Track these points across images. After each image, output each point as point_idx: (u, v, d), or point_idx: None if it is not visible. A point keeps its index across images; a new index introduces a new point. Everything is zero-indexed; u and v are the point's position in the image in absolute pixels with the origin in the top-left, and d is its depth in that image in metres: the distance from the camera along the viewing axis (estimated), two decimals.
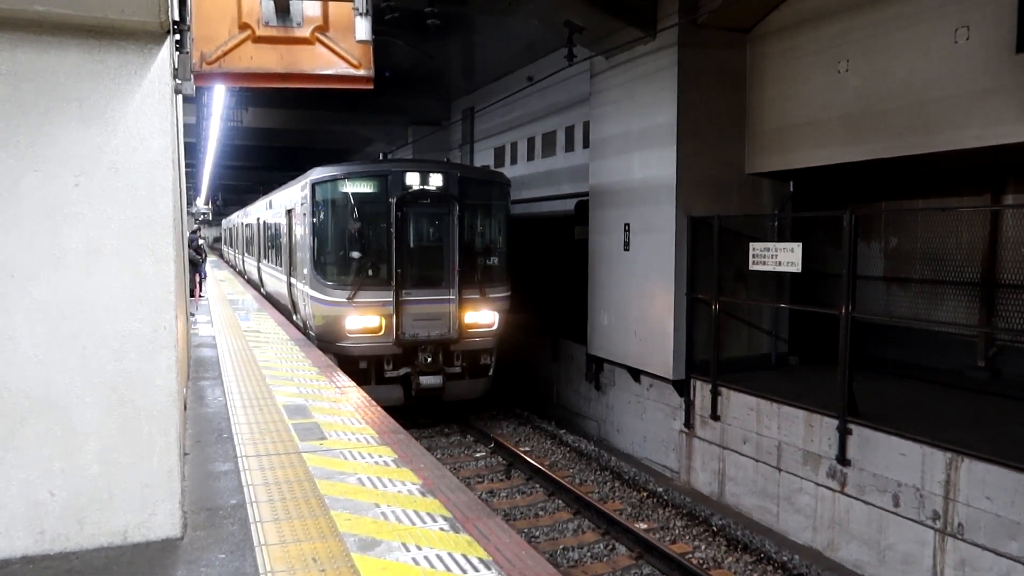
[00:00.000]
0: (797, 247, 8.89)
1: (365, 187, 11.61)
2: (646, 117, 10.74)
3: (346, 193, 11.52)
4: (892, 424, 7.45)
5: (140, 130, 3.68)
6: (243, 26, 5.63)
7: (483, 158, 20.21)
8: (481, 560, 3.72)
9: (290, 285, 14.33)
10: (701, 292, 10.14)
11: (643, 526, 8.46)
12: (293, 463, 5.25)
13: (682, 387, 10.42)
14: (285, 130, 23.10)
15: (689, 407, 10.30)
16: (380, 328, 11.32)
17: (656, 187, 10.55)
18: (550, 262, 15.29)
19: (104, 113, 3.61)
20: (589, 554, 7.81)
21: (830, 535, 7.99)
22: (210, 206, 45.02)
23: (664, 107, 10.33)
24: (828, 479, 8.02)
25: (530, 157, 17.76)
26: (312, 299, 11.80)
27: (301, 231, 12.70)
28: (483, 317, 11.89)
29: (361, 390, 7.95)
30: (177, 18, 3.95)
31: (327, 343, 11.50)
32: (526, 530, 8.32)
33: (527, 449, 11.39)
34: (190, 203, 34.80)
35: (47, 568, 3.55)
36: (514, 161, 18.53)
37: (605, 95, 11.84)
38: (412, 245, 11.67)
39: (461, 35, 15.38)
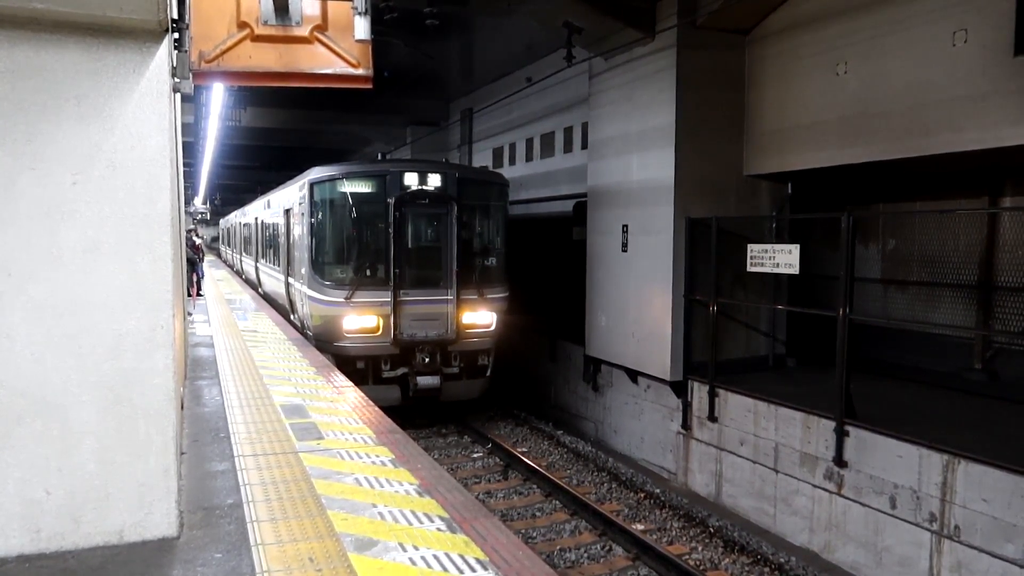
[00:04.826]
0: (795, 249, 8.90)
1: (363, 187, 11.60)
2: (645, 118, 10.75)
3: (344, 193, 11.51)
4: (889, 426, 7.45)
5: (138, 128, 3.67)
6: (242, 25, 5.63)
7: (482, 159, 20.21)
8: (478, 560, 3.72)
9: (288, 285, 14.32)
10: (699, 293, 10.14)
11: (640, 527, 8.46)
12: (290, 463, 5.24)
13: (680, 388, 10.42)
14: (283, 130, 23.09)
15: (687, 408, 10.30)
16: (378, 328, 11.31)
17: (654, 188, 10.56)
18: (548, 263, 15.29)
19: (102, 111, 3.61)
20: (586, 555, 7.80)
21: (827, 537, 7.99)
22: (208, 206, 45.00)
23: (663, 108, 10.34)
24: (825, 481, 8.02)
25: (528, 158, 17.76)
26: (310, 299, 11.79)
27: (299, 231, 12.69)
28: (481, 318, 11.89)
29: (358, 390, 7.94)
30: (176, 16, 3.95)
31: (325, 343, 11.48)
32: (523, 531, 8.31)
33: (524, 450, 11.39)
34: (188, 202, 34.76)
35: (43, 567, 3.55)
36: (512, 162, 18.53)
37: (604, 96, 11.84)
38: (410, 245, 11.66)
39: (460, 36, 15.38)
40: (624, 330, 11.40)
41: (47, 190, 3.55)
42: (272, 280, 17.16)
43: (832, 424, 7.88)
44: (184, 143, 12.51)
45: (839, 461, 7.80)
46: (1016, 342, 9.31)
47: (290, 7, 5.65)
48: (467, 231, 12.07)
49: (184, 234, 11.62)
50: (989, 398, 8.81)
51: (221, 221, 45.71)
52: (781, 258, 9.07)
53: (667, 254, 10.32)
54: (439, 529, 4.09)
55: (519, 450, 11.17)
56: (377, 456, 5.45)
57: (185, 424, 6.20)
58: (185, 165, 21.68)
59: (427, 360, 11.55)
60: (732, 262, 9.88)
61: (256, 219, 21.13)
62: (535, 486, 9.83)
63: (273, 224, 16.93)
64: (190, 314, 13.40)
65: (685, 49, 10.10)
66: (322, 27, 5.77)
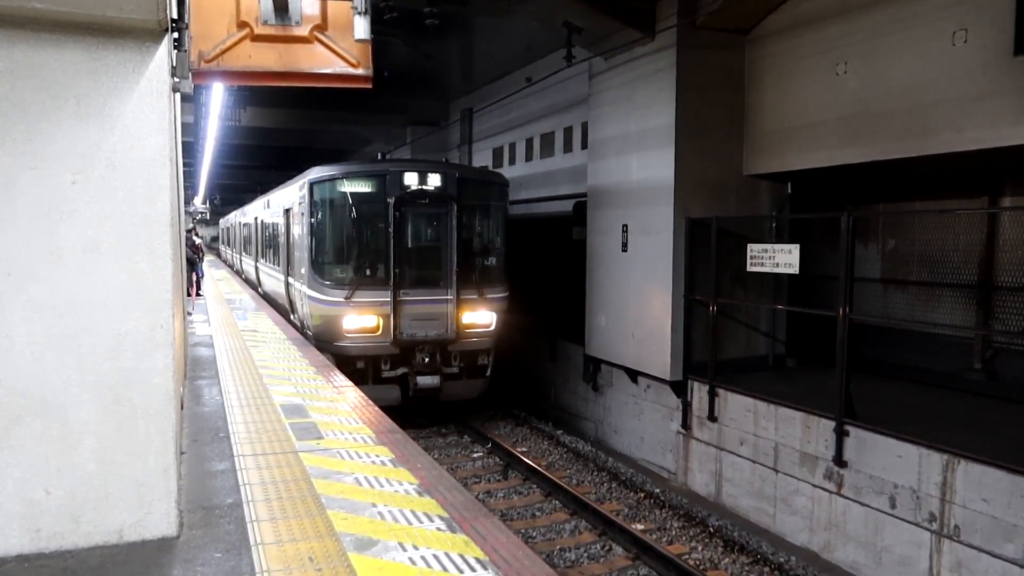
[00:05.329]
0: (795, 249, 8.90)
1: (363, 187, 11.61)
2: (644, 118, 10.75)
3: (344, 193, 11.52)
4: (889, 426, 7.45)
5: (138, 128, 3.67)
6: (241, 24, 5.62)
7: (482, 159, 20.21)
8: (478, 560, 3.71)
9: (288, 285, 14.32)
10: (699, 293, 10.14)
11: (640, 527, 8.46)
12: (290, 462, 5.24)
13: (679, 388, 10.41)
14: (283, 130, 23.08)
15: (686, 408, 10.30)
16: (378, 328, 11.31)
17: (654, 188, 10.56)
18: (548, 263, 15.28)
19: (102, 111, 3.60)
20: (586, 555, 7.80)
21: (827, 536, 7.99)
22: (208, 206, 45.00)
23: (663, 108, 10.33)
24: (825, 480, 8.02)
25: (528, 158, 17.76)
26: (310, 299, 11.79)
27: (299, 231, 12.69)
28: (481, 317, 11.89)
29: (358, 390, 7.94)
30: (175, 16, 3.95)
31: (325, 343, 11.48)
32: (523, 530, 8.31)
33: (524, 449, 11.39)
34: (188, 202, 34.75)
35: (42, 567, 3.54)
36: (512, 162, 18.53)
37: (604, 96, 11.84)
38: (410, 245, 11.66)
39: (460, 35, 15.37)
40: (624, 330, 11.39)
41: (47, 190, 3.55)
42: (272, 280, 17.16)
43: (832, 424, 7.88)
44: (184, 143, 12.52)
45: (839, 461, 7.80)
46: (1016, 342, 9.30)
47: (290, 7, 5.64)
48: (467, 231, 12.07)
49: (184, 234, 11.62)
50: (989, 398, 8.81)
51: (221, 221, 45.70)
52: (781, 258, 9.07)
53: (667, 254, 10.32)
54: (439, 529, 4.08)
55: (519, 450, 11.17)
56: (377, 456, 5.45)
57: (185, 424, 6.20)
58: (185, 165, 21.68)
59: (427, 360, 11.55)
60: (732, 262, 9.87)
61: (256, 219, 21.13)
62: (535, 486, 9.83)
63: (273, 224, 16.93)
64: (190, 314, 13.41)
65: (685, 49, 10.10)
66: (322, 27, 5.77)
